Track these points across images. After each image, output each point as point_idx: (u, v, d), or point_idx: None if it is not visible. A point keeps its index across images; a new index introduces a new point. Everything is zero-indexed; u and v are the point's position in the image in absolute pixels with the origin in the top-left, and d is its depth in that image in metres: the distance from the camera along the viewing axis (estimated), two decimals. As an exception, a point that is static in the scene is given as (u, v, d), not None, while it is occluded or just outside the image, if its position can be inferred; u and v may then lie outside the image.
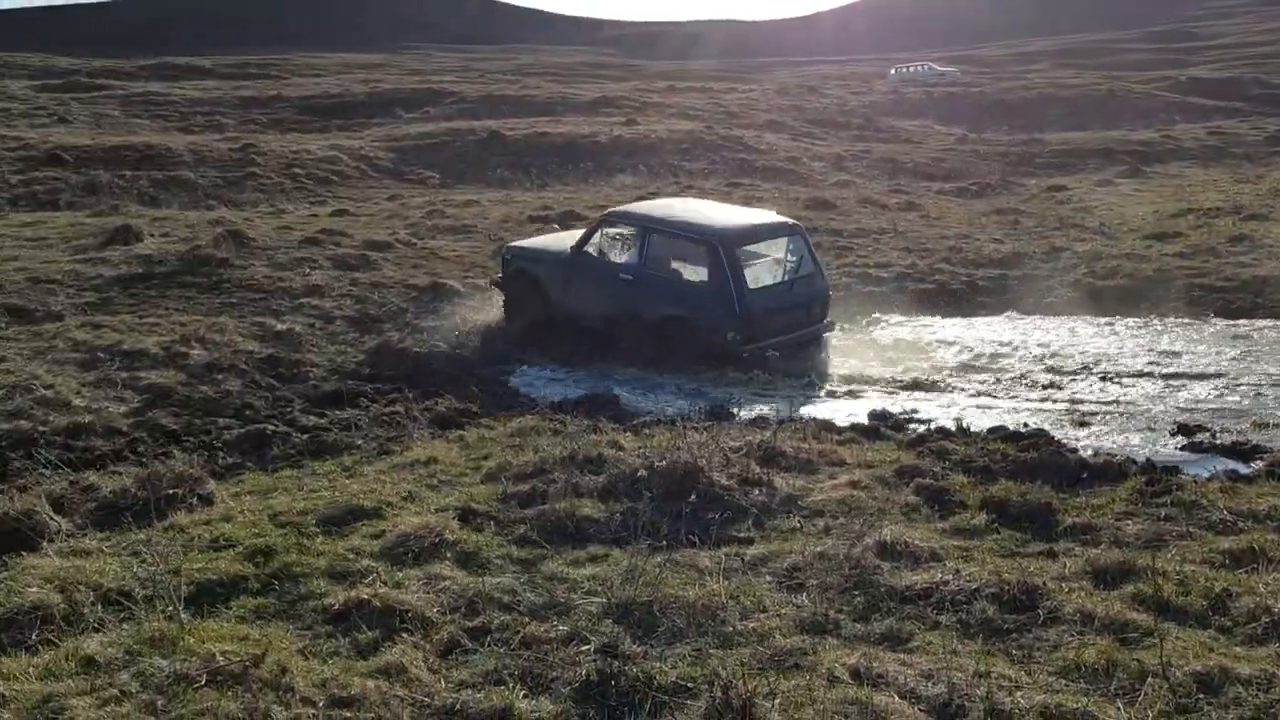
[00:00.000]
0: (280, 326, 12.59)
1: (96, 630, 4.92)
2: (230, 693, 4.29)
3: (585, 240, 12.83)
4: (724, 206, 14.51)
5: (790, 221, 13.05)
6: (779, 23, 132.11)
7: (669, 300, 11.99)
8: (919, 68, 63.23)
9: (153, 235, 16.84)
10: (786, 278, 12.25)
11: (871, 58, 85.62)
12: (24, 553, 6.02)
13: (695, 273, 12.05)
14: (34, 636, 4.90)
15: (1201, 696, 4.38)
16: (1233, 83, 54.44)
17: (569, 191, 25.48)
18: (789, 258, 12.40)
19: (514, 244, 14.41)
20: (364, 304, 13.95)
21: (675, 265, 12.31)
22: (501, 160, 29.68)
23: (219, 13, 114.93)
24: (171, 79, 54.14)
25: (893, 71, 63.93)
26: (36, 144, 29.06)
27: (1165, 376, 10.94)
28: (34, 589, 5.24)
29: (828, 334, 12.75)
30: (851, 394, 10.92)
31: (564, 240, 13.72)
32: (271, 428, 9.21)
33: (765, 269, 12.29)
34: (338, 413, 9.84)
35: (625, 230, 12.77)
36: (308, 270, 15.12)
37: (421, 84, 48.78)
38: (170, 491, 6.96)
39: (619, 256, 12.65)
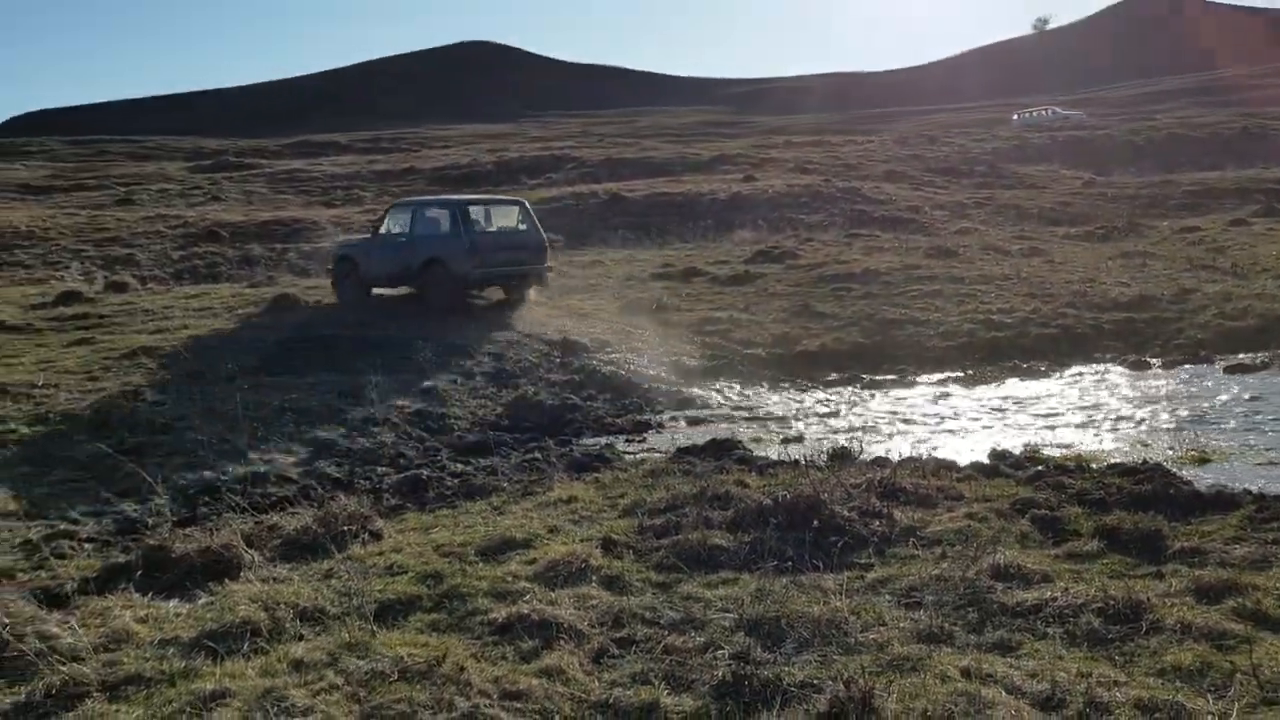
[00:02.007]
0: (426, 383, 13.58)
1: (300, 640, 5.73)
2: (418, 686, 5.05)
3: (378, 224, 19.03)
4: (472, 195, 21.65)
5: (516, 199, 20.04)
6: (891, 74, 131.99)
7: (429, 249, 17.49)
8: (1043, 112, 62.53)
9: (307, 303, 18.21)
10: (509, 229, 18.02)
11: (988, 104, 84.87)
12: (226, 580, 6.93)
13: (444, 228, 17.57)
14: (245, 646, 5.71)
15: (1289, 693, 4.69)
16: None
17: (689, 249, 26.21)
18: (517, 224, 18.16)
19: (340, 239, 22.56)
20: (501, 361, 14.86)
21: (433, 226, 17.75)
22: (623, 221, 30.67)
23: (345, 91, 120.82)
24: (311, 155, 57.40)
25: (1015, 117, 63.37)
26: (195, 221, 31.42)
27: None
28: (242, 608, 6.10)
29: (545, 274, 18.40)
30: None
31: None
32: (426, 473, 10.13)
33: (493, 226, 17.99)
34: (482, 460, 10.80)
35: (403, 212, 18.59)
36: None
37: (544, 150, 50.62)
38: (345, 528, 7.83)
39: (399, 229, 18.15)
